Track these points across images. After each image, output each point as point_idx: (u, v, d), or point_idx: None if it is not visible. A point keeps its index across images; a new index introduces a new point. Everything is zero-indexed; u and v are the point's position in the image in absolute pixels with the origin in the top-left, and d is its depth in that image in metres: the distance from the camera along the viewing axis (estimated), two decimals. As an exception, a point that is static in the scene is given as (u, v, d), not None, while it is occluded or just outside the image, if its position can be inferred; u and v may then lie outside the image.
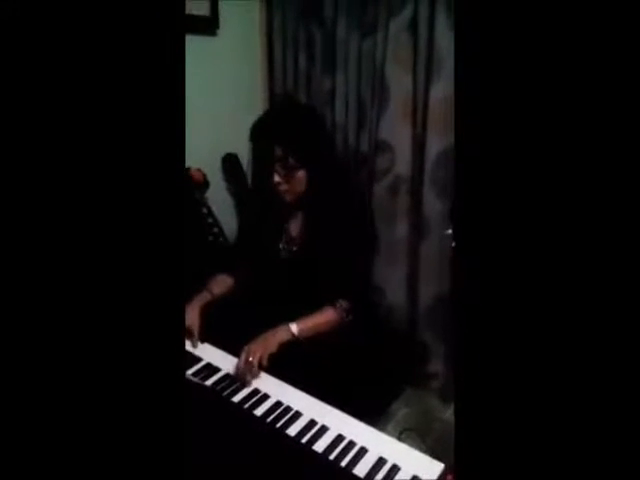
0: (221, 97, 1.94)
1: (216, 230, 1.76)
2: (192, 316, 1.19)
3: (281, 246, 1.31)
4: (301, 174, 1.18)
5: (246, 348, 1.06)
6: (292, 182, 1.18)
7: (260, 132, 1.20)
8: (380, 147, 1.71)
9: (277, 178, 1.18)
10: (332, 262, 1.20)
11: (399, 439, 0.87)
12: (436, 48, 1.56)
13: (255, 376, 1.02)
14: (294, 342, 1.13)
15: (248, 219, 1.44)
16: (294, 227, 1.31)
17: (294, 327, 1.14)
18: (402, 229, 1.77)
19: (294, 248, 1.29)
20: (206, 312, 1.22)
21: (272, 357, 1.07)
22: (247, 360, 1.03)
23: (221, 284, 1.33)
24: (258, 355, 1.03)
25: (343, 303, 1.22)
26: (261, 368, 1.03)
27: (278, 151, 1.15)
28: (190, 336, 1.14)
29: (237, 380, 1.02)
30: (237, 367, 1.04)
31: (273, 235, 1.31)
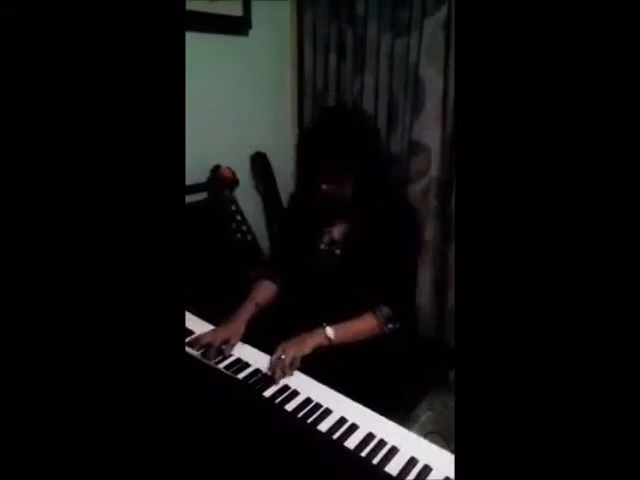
0: (252, 96, 1.96)
1: (244, 228, 1.77)
2: (238, 328, 1.18)
3: (322, 247, 1.28)
4: (347, 179, 1.16)
5: (280, 346, 1.06)
6: (337, 187, 1.17)
7: (310, 138, 1.20)
8: (415, 148, 1.70)
9: (324, 185, 1.16)
10: (375, 268, 1.17)
11: (424, 441, 0.86)
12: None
13: (284, 375, 1.01)
14: (329, 347, 1.12)
15: (289, 220, 1.42)
16: (337, 230, 1.28)
17: (330, 332, 1.12)
18: (430, 232, 1.76)
19: (337, 251, 1.27)
20: (251, 323, 1.22)
21: (305, 359, 1.06)
22: (279, 358, 1.03)
23: (265, 293, 1.32)
24: (290, 355, 1.03)
25: (384, 309, 1.18)
26: (293, 368, 1.03)
27: (325, 158, 1.14)
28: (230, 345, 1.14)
29: (269, 377, 1.02)
30: (269, 364, 1.04)
31: (315, 236, 1.29)
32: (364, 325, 1.18)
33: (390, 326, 1.19)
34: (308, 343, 1.09)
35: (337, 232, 1.28)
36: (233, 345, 1.14)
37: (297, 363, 1.04)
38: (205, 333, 1.15)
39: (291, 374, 1.02)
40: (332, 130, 1.16)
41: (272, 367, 1.03)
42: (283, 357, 1.03)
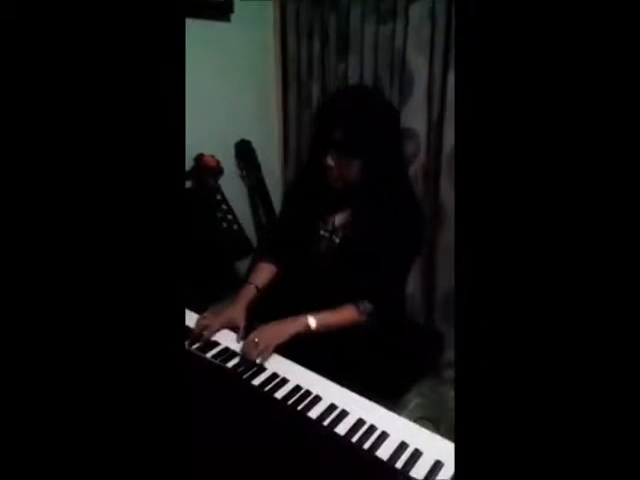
0: (234, 83, 1.93)
1: (230, 217, 1.75)
2: (239, 312, 1.17)
3: (322, 233, 1.25)
4: (356, 162, 1.09)
5: (257, 330, 1.06)
6: (345, 169, 1.10)
7: (324, 108, 1.15)
8: (404, 134, 1.69)
9: (330, 162, 1.10)
10: (369, 260, 1.14)
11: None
12: (453, 35, 1.54)
13: (259, 358, 1.01)
14: (309, 335, 1.11)
15: (291, 202, 1.37)
16: (340, 217, 1.24)
17: (312, 321, 1.11)
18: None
19: (337, 239, 1.23)
20: (252, 307, 1.21)
21: (280, 346, 1.05)
22: (253, 341, 1.02)
23: (265, 274, 1.30)
24: (265, 342, 1.02)
25: (367, 305, 1.17)
26: (265, 355, 1.02)
27: (337, 134, 1.07)
28: (236, 329, 1.13)
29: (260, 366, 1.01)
30: (242, 346, 1.04)
31: (316, 221, 1.25)
32: (344, 316, 1.16)
33: (370, 320, 1.17)
34: (287, 331, 1.08)
35: (339, 219, 1.24)
36: (244, 330, 1.13)
37: (271, 349, 1.03)
38: (203, 316, 1.14)
39: (263, 360, 1.01)
40: (352, 101, 1.11)
41: (245, 350, 1.02)
42: (257, 340, 1.02)
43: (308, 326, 1.10)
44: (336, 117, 1.09)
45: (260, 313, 1.19)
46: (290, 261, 1.29)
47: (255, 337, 1.03)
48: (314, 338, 1.11)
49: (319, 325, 1.11)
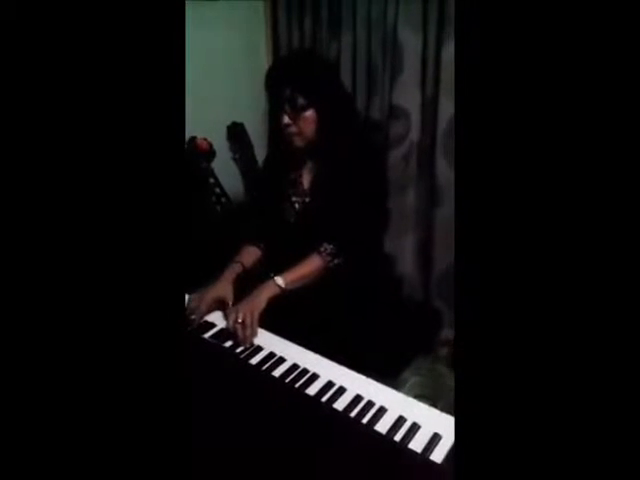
0: (225, 65, 1.89)
1: (224, 200, 1.74)
2: (226, 287, 1.17)
3: (294, 199, 1.29)
4: (310, 114, 1.16)
5: (234, 308, 1.06)
6: (301, 123, 1.17)
7: (270, 74, 1.21)
8: (394, 113, 1.68)
9: (286, 119, 1.16)
10: (336, 210, 1.18)
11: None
12: (447, 7, 1.51)
13: (250, 335, 1.01)
14: (284, 295, 1.13)
15: (263, 181, 1.42)
16: (306, 178, 1.29)
17: (280, 280, 1.13)
18: (413, 197, 1.75)
19: (306, 199, 1.28)
20: (238, 283, 1.21)
21: (263, 314, 1.06)
22: (236, 321, 1.02)
23: (249, 256, 1.30)
24: (248, 316, 1.03)
25: (327, 246, 1.20)
26: (254, 327, 1.03)
27: (287, 91, 1.15)
28: (225, 307, 1.13)
29: (236, 339, 1.02)
30: (230, 329, 1.04)
31: (286, 189, 1.30)
32: (310, 265, 1.20)
33: (335, 261, 1.20)
34: (261, 297, 1.09)
35: (307, 182, 1.29)
36: (229, 305, 1.12)
37: (256, 321, 1.04)
38: (191, 298, 1.13)
39: (254, 334, 1.02)
40: (292, 59, 1.27)
41: (233, 331, 1.02)
42: (240, 320, 1.02)
43: (278, 286, 1.13)
44: (283, 77, 1.17)
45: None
46: (273, 235, 1.31)
47: (236, 318, 1.03)
48: (306, 315, 1.11)
49: (288, 282, 1.14)
